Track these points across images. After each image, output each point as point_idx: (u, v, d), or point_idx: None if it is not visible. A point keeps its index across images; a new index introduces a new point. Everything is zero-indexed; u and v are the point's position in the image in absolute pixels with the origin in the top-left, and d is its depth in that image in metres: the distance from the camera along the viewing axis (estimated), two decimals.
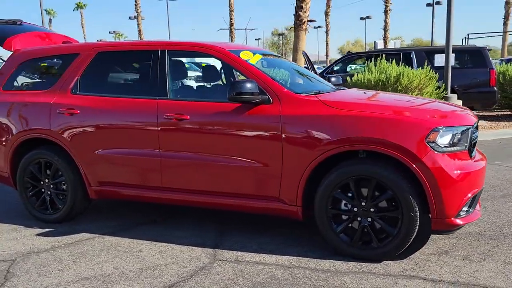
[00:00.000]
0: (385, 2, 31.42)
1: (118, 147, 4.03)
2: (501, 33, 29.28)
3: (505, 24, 30.36)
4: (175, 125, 3.78)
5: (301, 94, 3.61)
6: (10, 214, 4.74)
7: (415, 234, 3.24)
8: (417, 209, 3.16)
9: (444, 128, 3.18)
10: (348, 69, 13.10)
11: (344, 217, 3.41)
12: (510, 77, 11.44)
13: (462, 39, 24.93)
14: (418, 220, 3.19)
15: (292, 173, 3.45)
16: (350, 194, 3.35)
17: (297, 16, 11.19)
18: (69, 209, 4.30)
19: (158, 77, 3.93)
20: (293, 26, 11.45)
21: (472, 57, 11.08)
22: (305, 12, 10.97)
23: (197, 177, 3.80)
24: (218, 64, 4.50)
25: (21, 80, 4.79)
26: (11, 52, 4.78)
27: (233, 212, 4.14)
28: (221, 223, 4.23)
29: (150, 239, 3.89)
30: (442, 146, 3.15)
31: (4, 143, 4.48)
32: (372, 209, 3.30)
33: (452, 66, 9.81)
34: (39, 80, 4.81)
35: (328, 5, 44.62)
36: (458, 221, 3.20)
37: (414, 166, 3.11)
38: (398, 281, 3.01)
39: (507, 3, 30.46)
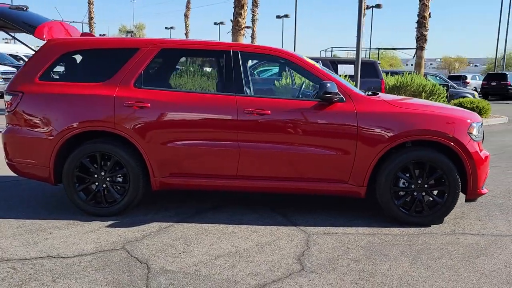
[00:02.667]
0: (253, 12, 33.35)
1: (194, 140, 4.29)
2: (364, 48, 33.70)
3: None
4: (255, 119, 4.23)
5: (364, 95, 4.41)
6: (45, 210, 4.53)
7: (456, 203, 4.31)
8: (460, 183, 4.23)
9: (475, 123, 4.31)
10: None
11: (401, 193, 4.31)
12: (389, 86, 13.78)
13: (322, 51, 28.03)
14: (460, 192, 4.27)
15: (363, 160, 4.23)
16: (408, 175, 4.27)
17: (236, 22, 11.81)
18: (130, 201, 4.37)
19: (234, 76, 4.32)
20: (231, 31, 12.04)
21: (367, 69, 13.05)
22: (243, 18, 11.68)
23: (276, 165, 4.31)
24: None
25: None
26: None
27: (282, 195, 4.74)
28: (277, 207, 4.76)
29: (229, 223, 4.25)
30: (474, 136, 4.28)
31: (47, 136, 4.32)
32: (425, 185, 4.27)
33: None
34: (84, 72, 4.66)
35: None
36: (484, 191, 4.37)
37: (461, 151, 4.16)
38: (459, 237, 4.03)
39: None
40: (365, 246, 3.77)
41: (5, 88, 4.57)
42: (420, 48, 15.90)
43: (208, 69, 4.80)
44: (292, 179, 4.36)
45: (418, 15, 16.00)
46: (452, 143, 4.16)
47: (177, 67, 4.75)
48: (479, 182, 4.27)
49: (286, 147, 4.27)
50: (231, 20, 11.91)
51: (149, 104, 4.25)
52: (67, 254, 3.49)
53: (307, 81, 5.13)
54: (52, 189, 5.26)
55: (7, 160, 4.59)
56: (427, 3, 15.71)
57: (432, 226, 4.29)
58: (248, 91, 4.38)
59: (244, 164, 4.30)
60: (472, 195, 4.33)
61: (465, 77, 31.33)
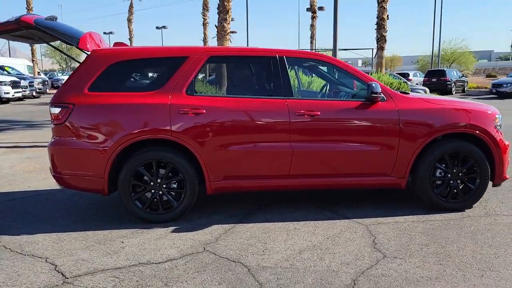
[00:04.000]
0: (203, 16, 33.35)
1: (248, 143, 4.46)
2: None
3: (311, 43, 36.04)
4: (307, 120, 4.48)
5: (402, 94, 4.79)
6: (101, 220, 4.52)
7: (486, 189, 4.78)
8: (489, 170, 4.71)
9: (498, 115, 4.81)
10: None
11: (439, 182, 4.73)
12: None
13: None
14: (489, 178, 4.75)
15: (405, 154, 4.60)
16: (444, 165, 4.69)
17: (221, 27, 11.90)
18: (187, 206, 4.48)
19: (282, 80, 4.54)
20: (216, 36, 12.12)
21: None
22: (228, 24, 11.79)
23: (326, 163, 4.58)
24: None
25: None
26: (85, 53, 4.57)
27: (318, 192, 5.03)
28: (320, 203, 5.02)
29: (286, 221, 4.47)
30: (499, 126, 4.77)
31: (101, 147, 4.33)
32: (460, 174, 4.71)
33: None
34: (133, 82, 4.68)
35: None
36: (508, 176, 4.88)
37: (490, 141, 4.64)
38: (496, 218, 4.49)
39: (311, 25, 36.23)
40: (424, 232, 4.13)
41: (50, 101, 4.51)
42: (380, 48, 16.81)
43: (255, 75, 4.97)
44: (340, 175, 4.65)
45: (377, 17, 16.91)
46: (483, 134, 4.62)
47: (225, 73, 4.90)
48: (504, 168, 4.77)
49: (335, 145, 4.55)
50: (215, 25, 12.06)
51: (204, 111, 4.37)
52: (157, 260, 3.56)
53: (329, 83, 5.46)
54: (89, 199, 5.23)
55: (54, 173, 4.53)
56: (385, 6, 16.64)
57: (465, 210, 4.73)
58: (296, 94, 4.62)
59: (296, 163, 4.53)
60: (499, 181, 4.82)
61: (408, 74, 33.07)
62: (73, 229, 4.32)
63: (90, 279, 3.22)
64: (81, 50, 4.61)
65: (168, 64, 4.57)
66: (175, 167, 4.40)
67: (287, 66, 4.60)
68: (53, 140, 4.52)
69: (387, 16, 16.82)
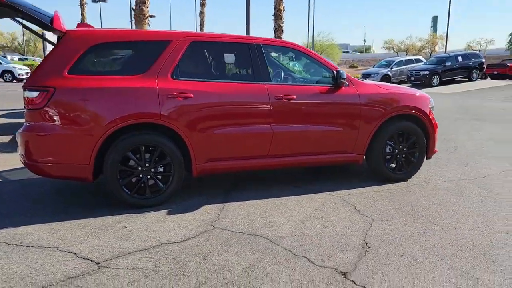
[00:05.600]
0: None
1: (233, 125, 4.68)
2: None
3: (201, 30, 35.83)
4: (285, 103, 4.86)
5: (360, 80, 5.41)
6: (83, 208, 4.38)
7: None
8: (425, 145, 5.60)
9: (431, 98, 5.72)
10: None
11: (388, 157, 5.48)
12: None
13: None
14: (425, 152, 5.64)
15: (364, 133, 5.25)
16: (392, 142, 5.46)
17: (140, 11, 11.28)
18: (175, 189, 4.57)
19: (261, 66, 4.84)
20: (134, 19, 11.45)
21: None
22: (147, 7, 11.23)
23: (301, 143, 5.00)
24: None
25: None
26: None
27: (277, 171, 5.48)
28: (286, 181, 5.45)
29: (268, 197, 4.81)
30: (432, 108, 5.68)
31: (87, 133, 4.20)
32: (404, 149, 5.51)
33: None
34: (115, 65, 4.52)
35: None
36: (437, 150, 5.83)
37: (427, 121, 5.51)
38: (435, 185, 5.39)
39: (201, 12, 35.98)
40: (388, 199, 4.81)
41: (25, 84, 4.20)
42: (278, 38, 17.67)
43: (236, 61, 5.13)
44: (312, 154, 5.12)
45: (274, 8, 17.75)
46: (423, 115, 5.47)
47: (211, 58, 4.99)
48: (435, 143, 5.71)
49: (308, 126, 5.00)
50: (132, 8, 11.51)
51: (192, 95, 4.48)
52: (176, 239, 3.65)
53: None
54: (53, 187, 4.97)
55: (28, 161, 4.25)
56: None
57: (408, 180, 5.57)
58: (273, 79, 4.96)
59: (275, 144, 4.88)
60: (431, 154, 5.74)
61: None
62: (60, 218, 4.13)
63: (125, 262, 3.22)
64: (53, 30, 4.36)
65: (150, 48, 4.55)
66: (162, 151, 4.44)
67: (264, 53, 4.90)
68: (27, 126, 4.23)
69: (283, 7, 17.77)
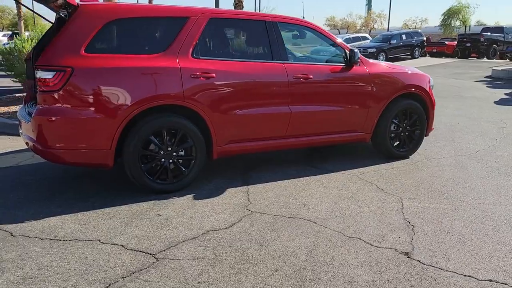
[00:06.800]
0: None
1: (253, 106, 4.56)
2: None
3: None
4: (303, 83, 4.79)
5: (368, 60, 5.44)
6: (100, 196, 4.12)
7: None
8: (426, 123, 5.78)
9: (431, 78, 5.88)
10: None
11: (392, 135, 5.61)
12: None
13: None
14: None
15: (374, 111, 5.32)
16: (397, 120, 5.58)
17: None
18: (198, 173, 4.41)
19: (278, 44, 4.72)
20: None
21: None
22: None
23: (316, 123, 4.98)
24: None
25: None
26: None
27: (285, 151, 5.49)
28: (299, 162, 5.44)
29: (286, 178, 4.78)
30: (432, 86, 5.85)
31: (109, 115, 3.92)
32: (407, 127, 5.66)
33: None
34: (133, 42, 4.18)
35: None
36: (433, 127, 6.04)
37: (428, 100, 5.68)
38: (438, 161, 5.60)
39: None
40: (402, 175, 4.94)
41: (36, 64, 3.82)
42: None
43: (254, 39, 4.93)
44: (325, 133, 5.12)
45: None
46: (425, 94, 5.63)
47: (225, 36, 4.77)
48: (433, 121, 5.91)
49: (324, 106, 4.98)
50: None
51: (214, 75, 4.30)
52: (220, 226, 3.53)
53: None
54: (56, 173, 4.64)
55: (42, 148, 3.91)
56: None
57: (410, 158, 5.74)
58: (291, 58, 4.86)
59: (293, 124, 4.82)
60: (429, 131, 5.94)
61: None
62: (82, 208, 3.87)
63: (181, 252, 3.07)
64: (65, 5, 3.98)
65: (169, 25, 4.29)
66: (184, 134, 4.25)
67: (280, 31, 4.78)
68: (40, 109, 3.87)
69: None
